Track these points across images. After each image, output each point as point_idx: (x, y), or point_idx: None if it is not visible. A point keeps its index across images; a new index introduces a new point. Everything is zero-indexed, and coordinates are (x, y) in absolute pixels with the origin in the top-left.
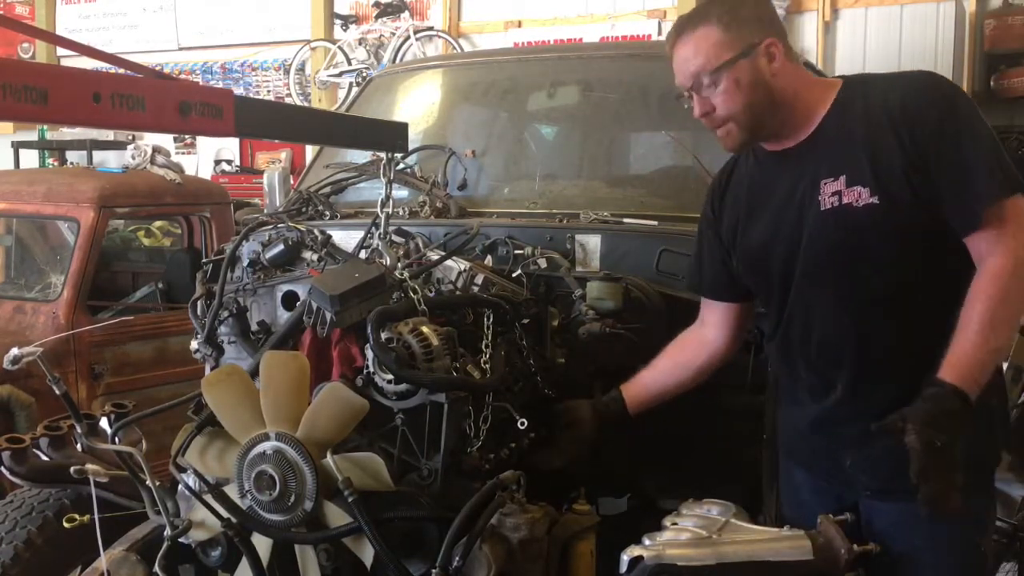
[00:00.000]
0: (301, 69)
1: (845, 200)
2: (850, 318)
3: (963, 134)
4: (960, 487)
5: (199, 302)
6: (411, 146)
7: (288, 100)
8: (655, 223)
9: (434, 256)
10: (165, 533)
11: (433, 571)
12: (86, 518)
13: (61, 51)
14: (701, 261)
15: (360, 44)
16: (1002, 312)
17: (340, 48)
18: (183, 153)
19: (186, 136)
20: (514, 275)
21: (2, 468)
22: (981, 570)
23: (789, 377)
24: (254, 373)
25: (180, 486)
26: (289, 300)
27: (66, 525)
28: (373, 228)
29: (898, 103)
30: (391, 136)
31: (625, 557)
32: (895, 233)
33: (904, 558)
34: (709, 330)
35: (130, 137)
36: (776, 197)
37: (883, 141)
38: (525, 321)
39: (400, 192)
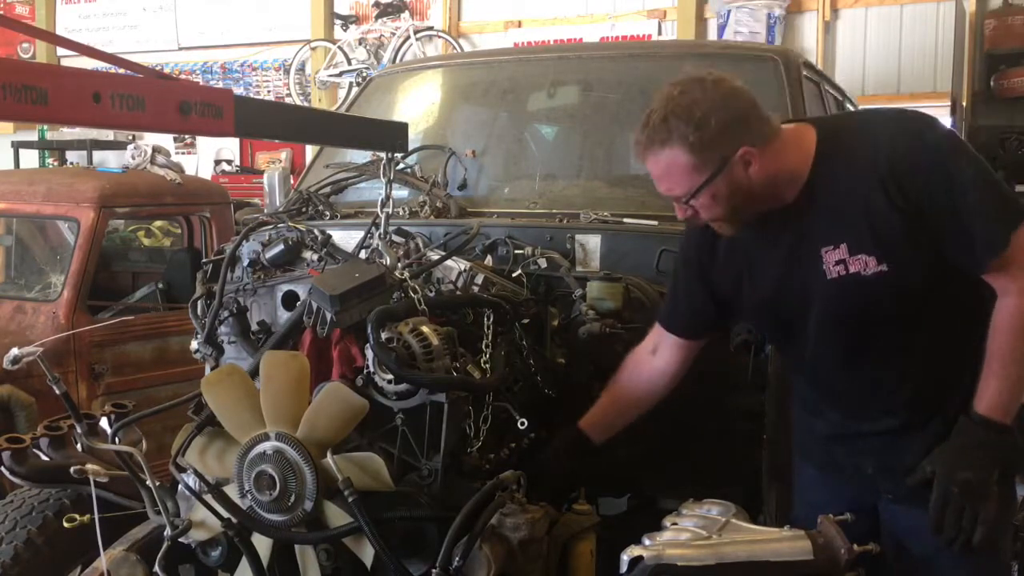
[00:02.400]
0: (301, 69)
1: (852, 269)
2: (867, 370)
3: (954, 183)
4: (990, 520)
5: (199, 302)
6: (411, 146)
7: (288, 100)
8: (655, 223)
9: (434, 256)
10: (165, 533)
11: (433, 571)
12: (86, 518)
13: (61, 51)
14: (676, 300)
15: (360, 44)
16: (1021, 345)
17: (340, 48)
18: (183, 153)
19: (186, 136)
20: (514, 275)
21: (2, 468)
22: (999, 575)
23: (809, 395)
24: (254, 373)
25: (180, 486)
26: (289, 300)
27: (66, 525)
28: (373, 228)
29: (885, 162)
30: (391, 136)
31: (625, 557)
32: (908, 293)
33: (923, 561)
34: (663, 363)
35: (130, 137)
36: (776, 258)
37: (879, 206)
38: (525, 321)
39: (400, 192)
